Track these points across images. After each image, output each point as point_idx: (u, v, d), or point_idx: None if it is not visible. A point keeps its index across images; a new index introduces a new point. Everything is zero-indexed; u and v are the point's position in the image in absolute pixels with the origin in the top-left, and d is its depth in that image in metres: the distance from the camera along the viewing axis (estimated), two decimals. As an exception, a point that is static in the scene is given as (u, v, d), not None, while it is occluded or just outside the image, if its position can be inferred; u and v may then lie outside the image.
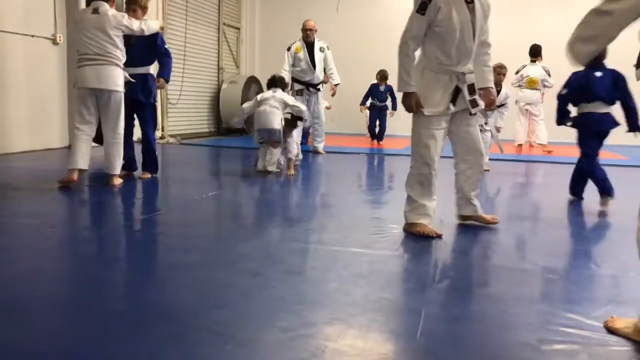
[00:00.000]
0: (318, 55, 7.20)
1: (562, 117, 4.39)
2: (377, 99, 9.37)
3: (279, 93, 5.50)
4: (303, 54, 7.14)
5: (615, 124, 4.19)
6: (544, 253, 2.95)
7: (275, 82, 5.63)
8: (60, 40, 6.99)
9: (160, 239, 3.19)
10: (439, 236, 3.07)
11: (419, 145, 3.15)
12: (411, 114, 3.16)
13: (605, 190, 4.12)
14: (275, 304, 2.03)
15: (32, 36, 6.59)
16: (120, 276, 2.45)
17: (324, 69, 7.42)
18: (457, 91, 3.08)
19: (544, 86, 8.50)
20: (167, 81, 4.93)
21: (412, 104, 3.07)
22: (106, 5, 4.39)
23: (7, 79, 6.33)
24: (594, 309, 2.07)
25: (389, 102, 9.47)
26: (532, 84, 8.46)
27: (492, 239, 3.16)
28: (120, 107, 4.48)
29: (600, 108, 4.13)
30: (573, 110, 4.38)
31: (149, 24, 4.68)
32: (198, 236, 3.13)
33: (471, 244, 3.08)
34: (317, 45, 7.21)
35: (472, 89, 3.09)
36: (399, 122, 10.08)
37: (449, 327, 1.92)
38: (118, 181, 4.55)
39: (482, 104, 3.18)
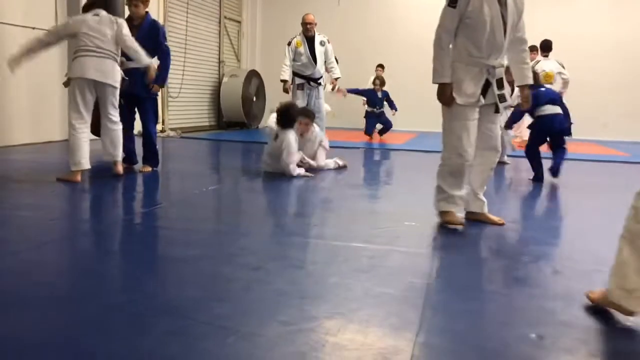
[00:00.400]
0: (319, 49, 7.17)
1: (512, 123, 5.81)
2: (375, 105, 9.26)
3: (280, 139, 4.92)
4: (304, 49, 7.11)
5: (569, 122, 5.20)
6: (545, 249, 2.95)
7: (283, 120, 4.97)
8: (61, 32, 6.97)
9: (161, 232, 3.19)
10: (463, 225, 3.16)
11: (451, 137, 3.17)
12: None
13: (538, 177, 5.20)
14: (276, 298, 2.04)
15: (33, 28, 6.56)
16: (121, 270, 2.45)
17: (325, 62, 7.40)
18: (487, 84, 3.09)
19: (562, 79, 8.44)
20: (161, 87, 4.95)
21: (448, 95, 3.09)
22: (104, 12, 4.43)
23: (8, 71, 6.31)
24: (596, 306, 2.07)
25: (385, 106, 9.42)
26: (547, 79, 8.42)
27: (493, 235, 3.16)
28: (116, 99, 4.50)
29: (551, 109, 5.04)
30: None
31: (143, 57, 4.58)
32: (199, 230, 3.13)
33: (472, 239, 3.08)
34: (318, 39, 7.18)
35: (500, 83, 3.09)
36: (399, 117, 10.09)
37: (448, 322, 1.92)
38: (122, 167, 4.60)
39: (510, 100, 3.18)
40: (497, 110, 3.17)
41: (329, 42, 7.25)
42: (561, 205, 4.30)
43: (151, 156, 5.01)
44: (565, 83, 8.36)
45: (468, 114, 3.11)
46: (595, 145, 9.35)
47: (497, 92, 3.10)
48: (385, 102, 9.29)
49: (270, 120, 5.27)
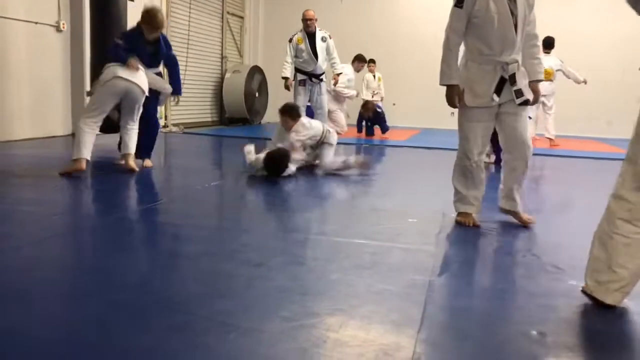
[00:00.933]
0: (320, 45, 7.16)
1: None
2: (370, 124, 9.17)
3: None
4: (305, 45, 7.10)
5: None
6: (548, 247, 2.95)
7: (271, 171, 4.61)
8: (63, 27, 6.97)
9: (163, 228, 3.19)
10: (477, 226, 3.16)
11: (460, 137, 3.19)
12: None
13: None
14: (277, 294, 2.04)
15: (36, 23, 6.57)
16: (123, 266, 2.44)
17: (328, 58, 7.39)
18: (502, 82, 3.04)
19: (565, 75, 8.38)
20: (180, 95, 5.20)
21: (454, 97, 3.08)
22: None
23: (10, 66, 6.33)
24: (597, 303, 2.07)
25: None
26: (547, 76, 8.39)
27: (495, 232, 3.16)
28: (141, 105, 4.66)
29: None
30: None
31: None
32: (201, 226, 3.14)
33: (474, 237, 3.08)
34: (319, 35, 7.17)
35: (512, 79, 3.03)
36: (401, 114, 10.07)
37: (450, 319, 1.92)
38: (134, 162, 4.63)
39: (529, 95, 3.10)
40: (523, 104, 3.06)
41: (330, 38, 7.25)
42: (563, 202, 4.29)
43: (149, 147, 5.04)
44: (572, 74, 8.30)
45: (477, 116, 3.10)
46: (599, 143, 9.33)
47: (512, 88, 3.03)
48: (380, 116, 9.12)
49: (249, 154, 4.87)
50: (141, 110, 4.68)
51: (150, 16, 4.57)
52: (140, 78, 4.50)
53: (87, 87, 6.25)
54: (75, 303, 1.95)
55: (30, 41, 6.55)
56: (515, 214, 3.28)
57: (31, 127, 6.64)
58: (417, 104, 11.01)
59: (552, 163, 6.56)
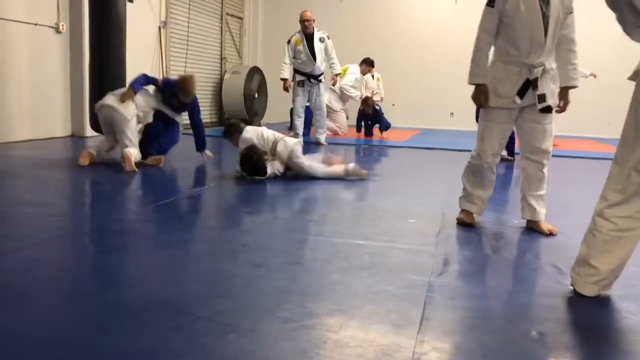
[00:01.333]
0: (318, 46, 7.16)
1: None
2: (370, 123, 9.14)
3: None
4: (303, 46, 7.10)
5: None
6: (548, 247, 2.95)
7: (248, 171, 4.67)
8: (63, 28, 6.97)
9: (162, 229, 3.18)
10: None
11: (477, 136, 3.19)
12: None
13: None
14: (277, 295, 2.04)
15: (35, 24, 6.57)
16: (123, 266, 2.45)
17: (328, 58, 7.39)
18: (527, 84, 2.98)
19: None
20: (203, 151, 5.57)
21: (480, 96, 3.06)
22: None
23: (9, 67, 6.32)
24: (597, 303, 2.08)
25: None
26: None
27: (495, 232, 3.16)
28: (130, 130, 4.81)
29: None
30: None
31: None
32: (200, 227, 3.14)
33: (474, 237, 3.08)
34: (317, 35, 7.17)
35: (535, 83, 2.96)
36: (401, 114, 10.06)
37: (450, 319, 1.92)
38: (130, 158, 4.67)
39: (552, 101, 3.00)
40: (544, 110, 2.99)
41: (328, 38, 7.25)
42: (563, 203, 4.29)
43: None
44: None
45: (496, 117, 3.07)
46: (599, 143, 9.33)
47: (535, 92, 2.96)
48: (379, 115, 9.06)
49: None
50: (136, 135, 4.90)
51: (183, 88, 4.95)
52: (126, 106, 4.74)
53: (87, 89, 6.26)
54: (75, 303, 1.95)
55: (30, 42, 6.54)
56: (534, 223, 3.18)
57: (31, 128, 6.64)
58: (417, 104, 11.00)
59: (552, 163, 6.55)
